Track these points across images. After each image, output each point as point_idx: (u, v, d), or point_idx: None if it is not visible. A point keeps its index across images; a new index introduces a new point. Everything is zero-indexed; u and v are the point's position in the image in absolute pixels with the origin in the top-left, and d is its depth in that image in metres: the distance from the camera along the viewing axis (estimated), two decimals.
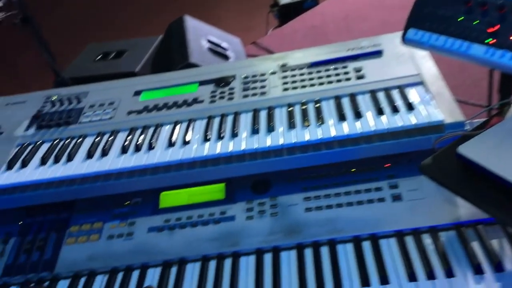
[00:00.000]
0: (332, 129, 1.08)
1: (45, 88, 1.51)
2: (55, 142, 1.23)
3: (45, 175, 1.12)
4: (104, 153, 1.15)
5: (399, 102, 1.12)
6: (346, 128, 1.07)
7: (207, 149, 1.10)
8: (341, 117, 1.10)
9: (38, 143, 1.25)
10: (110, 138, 1.20)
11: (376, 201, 1.04)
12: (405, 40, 1.10)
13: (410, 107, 1.09)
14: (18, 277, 1.06)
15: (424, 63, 1.23)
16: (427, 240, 0.96)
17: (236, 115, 1.20)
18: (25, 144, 1.25)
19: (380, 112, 1.09)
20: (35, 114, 1.34)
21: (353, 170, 1.11)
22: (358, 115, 1.10)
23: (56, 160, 1.16)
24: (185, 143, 1.14)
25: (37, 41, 1.99)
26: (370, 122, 1.08)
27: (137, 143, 1.16)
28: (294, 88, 1.25)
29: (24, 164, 1.16)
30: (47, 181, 1.12)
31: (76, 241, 1.11)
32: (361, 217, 1.02)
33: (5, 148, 1.25)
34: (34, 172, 1.14)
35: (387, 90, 1.17)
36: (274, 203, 1.09)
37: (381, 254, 0.95)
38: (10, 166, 1.16)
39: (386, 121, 1.07)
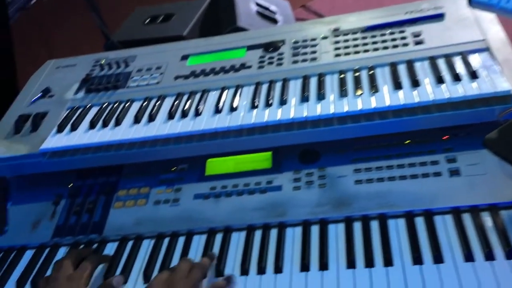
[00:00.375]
0: (386, 98, 1.02)
1: (96, 51, 1.51)
2: (103, 106, 1.24)
3: (93, 139, 1.13)
4: (151, 118, 1.14)
5: (461, 70, 1.04)
6: (402, 97, 1.01)
7: (254, 117, 1.07)
8: (397, 86, 1.04)
9: (87, 107, 1.25)
10: (157, 104, 1.19)
11: (431, 175, 0.98)
12: (471, 2, 1.01)
13: (473, 75, 1.01)
14: (68, 238, 1.09)
15: (490, 27, 1.13)
16: (486, 218, 0.90)
17: (285, 81, 1.16)
18: (75, 108, 1.26)
19: (439, 80, 1.02)
20: (85, 77, 1.35)
21: (407, 141, 1.06)
22: (415, 83, 1.03)
23: (105, 125, 1.16)
24: (232, 109, 1.11)
25: (89, 4, 2.00)
26: (429, 91, 1.01)
27: (184, 109, 1.14)
28: (347, 54, 1.19)
29: (74, 128, 1.17)
30: (95, 145, 1.13)
31: (123, 205, 1.12)
32: (414, 191, 0.97)
33: (56, 111, 1.26)
34: (83, 136, 1.15)
35: (448, 57, 1.09)
36: (323, 174, 1.06)
37: (436, 231, 0.90)
38: (60, 129, 1.18)
39: (446, 90, 0.99)
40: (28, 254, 1.09)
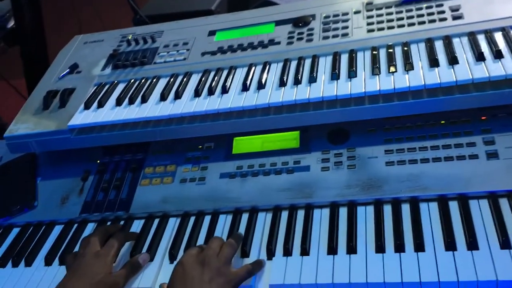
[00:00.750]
0: (422, 76, 0.97)
1: (125, 26, 1.50)
2: (130, 83, 1.22)
3: (120, 116, 1.12)
4: (178, 95, 1.13)
5: (503, 47, 0.97)
6: (438, 76, 0.96)
7: (282, 95, 1.04)
8: (433, 63, 0.98)
9: (114, 83, 1.24)
10: (184, 80, 1.17)
11: (467, 158, 0.94)
12: None
13: None
14: (96, 214, 1.10)
15: None
16: None
17: (315, 58, 1.11)
18: (102, 84, 1.25)
19: (480, 57, 0.96)
20: (112, 53, 1.33)
21: (442, 122, 1.01)
22: (453, 60, 0.97)
23: (131, 102, 1.15)
24: (260, 87, 1.08)
25: None
26: (468, 69, 0.95)
27: (211, 86, 1.11)
28: (380, 29, 1.14)
29: (100, 105, 1.17)
30: (122, 122, 1.12)
31: (150, 183, 1.12)
32: (449, 174, 0.93)
33: (84, 87, 1.26)
34: (110, 113, 1.14)
35: (488, 33, 1.03)
36: (352, 155, 1.02)
37: (471, 216, 0.86)
38: (87, 106, 1.17)
39: (486, 68, 0.94)
40: (57, 230, 1.10)
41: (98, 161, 1.21)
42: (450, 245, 0.83)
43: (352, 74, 1.03)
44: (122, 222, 1.07)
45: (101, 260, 0.91)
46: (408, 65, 1.00)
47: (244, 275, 0.86)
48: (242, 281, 0.86)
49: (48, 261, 1.02)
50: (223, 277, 0.83)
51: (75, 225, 1.10)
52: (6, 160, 1.30)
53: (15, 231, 1.14)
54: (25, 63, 2.63)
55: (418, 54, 1.03)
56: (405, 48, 1.05)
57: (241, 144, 1.13)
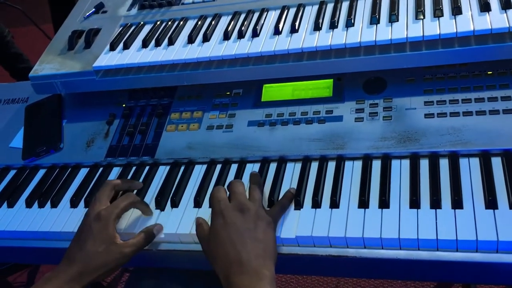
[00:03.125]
0: (470, 21, 0.89)
1: None
2: (156, 24, 1.17)
3: (146, 58, 1.08)
4: (206, 38, 1.07)
5: None
6: (489, 21, 0.88)
7: (317, 39, 0.98)
8: (484, 7, 0.90)
9: (140, 24, 1.19)
10: (213, 23, 1.12)
11: None
12: None
13: None
14: (121, 158, 1.08)
15: None
16: None
17: (352, 1, 1.04)
18: (128, 25, 1.20)
19: None
20: None
21: (489, 72, 0.94)
22: (507, 5, 0.89)
23: (157, 44, 1.10)
24: (293, 31, 1.02)
25: None
26: None
27: (241, 29, 1.05)
28: None
29: (126, 46, 1.13)
30: (148, 65, 1.08)
31: (176, 129, 1.09)
32: (494, 129, 0.86)
33: (109, 27, 1.21)
34: (135, 55, 1.10)
35: None
36: (389, 106, 0.97)
37: None
38: (112, 47, 1.13)
39: None
40: (82, 172, 1.09)
41: (124, 105, 1.18)
42: (491, 203, 0.78)
43: (393, 18, 0.96)
44: (147, 168, 1.05)
45: (101, 223, 0.83)
46: (456, 10, 0.92)
47: (279, 212, 0.85)
48: (279, 218, 0.85)
49: (74, 203, 1.02)
50: (264, 220, 0.81)
51: (100, 169, 1.09)
52: (33, 101, 1.28)
53: (41, 172, 1.13)
54: (52, 6, 2.60)
55: None
56: None
57: (270, 92, 1.08)
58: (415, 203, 0.81)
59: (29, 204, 1.05)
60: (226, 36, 1.06)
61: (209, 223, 0.84)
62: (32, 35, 2.97)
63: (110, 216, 0.84)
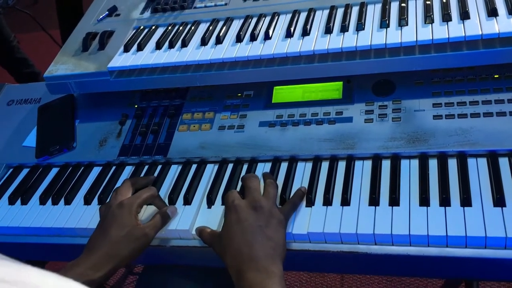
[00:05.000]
0: (478, 25, 0.92)
1: None
2: (169, 27, 1.20)
3: (160, 59, 1.10)
4: (219, 40, 1.10)
5: None
6: (496, 25, 0.90)
7: (328, 42, 1.00)
8: (492, 12, 0.93)
9: (153, 27, 1.22)
10: (225, 26, 1.14)
11: None
12: None
13: None
14: (134, 157, 1.10)
15: None
16: None
17: (363, 6, 1.07)
18: (141, 28, 1.23)
19: None
20: None
21: (496, 76, 0.96)
22: None
23: (171, 46, 1.13)
24: (305, 34, 1.04)
25: None
26: None
27: (253, 32, 1.08)
28: None
29: (140, 48, 1.15)
30: (162, 66, 1.11)
31: (188, 129, 1.11)
32: (501, 130, 0.89)
33: (123, 30, 1.24)
34: (149, 56, 1.12)
35: None
36: (398, 107, 0.99)
37: None
38: (126, 49, 1.16)
39: None
40: (96, 171, 1.11)
41: (136, 106, 1.20)
42: (499, 201, 0.80)
43: (403, 22, 0.98)
44: (159, 167, 1.07)
45: (124, 210, 0.86)
46: (464, 14, 0.94)
47: (291, 211, 0.87)
48: (290, 216, 0.87)
49: (87, 201, 1.04)
50: (276, 218, 0.83)
51: (113, 167, 1.11)
52: (45, 102, 1.30)
53: (54, 170, 1.15)
54: (59, 12, 2.63)
55: (475, 3, 0.97)
56: None
57: (281, 93, 1.11)
58: (424, 201, 0.83)
59: (43, 201, 1.07)
60: (239, 38, 1.08)
61: (221, 221, 0.86)
62: (37, 40, 3.00)
63: (133, 205, 0.88)
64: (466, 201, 0.81)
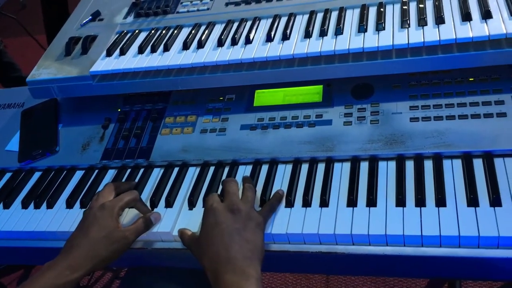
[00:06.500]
0: (452, 30, 0.94)
1: None
2: (152, 32, 1.21)
3: (142, 64, 1.11)
4: (200, 45, 1.11)
5: None
6: (470, 30, 0.93)
7: (308, 46, 1.02)
8: (466, 17, 0.95)
9: (136, 31, 1.23)
10: (207, 30, 1.15)
11: (495, 116, 0.92)
12: None
13: None
14: (117, 161, 1.10)
15: None
16: None
17: (342, 11, 1.09)
18: (124, 32, 1.24)
19: None
20: (134, 1, 1.32)
21: (471, 79, 0.98)
22: (487, 15, 0.94)
23: (153, 50, 1.14)
24: (285, 38, 1.06)
25: None
26: (501, 23, 0.92)
27: (234, 36, 1.09)
28: None
29: (123, 52, 1.16)
30: (144, 70, 1.12)
31: (170, 132, 1.12)
32: (475, 132, 0.91)
33: (106, 34, 1.25)
34: (132, 60, 1.13)
35: None
36: (376, 110, 1.01)
37: (495, 173, 0.84)
38: (109, 53, 1.16)
39: None
40: (78, 174, 1.12)
41: (119, 110, 1.21)
42: (473, 201, 0.82)
43: (380, 27, 1.00)
44: (142, 170, 1.08)
45: (106, 212, 0.87)
46: (439, 19, 0.97)
47: (269, 213, 0.88)
48: (269, 218, 0.88)
49: (70, 204, 1.04)
50: (253, 221, 0.84)
51: (96, 171, 1.11)
52: (28, 106, 1.30)
53: (37, 174, 1.15)
54: (45, 17, 2.63)
55: (450, 8, 0.99)
56: (437, 3, 1.02)
57: (262, 97, 1.12)
58: (401, 201, 0.85)
59: (25, 205, 1.07)
60: (220, 43, 1.10)
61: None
62: (25, 45, 3.00)
63: (115, 207, 0.88)
64: (440, 201, 0.83)
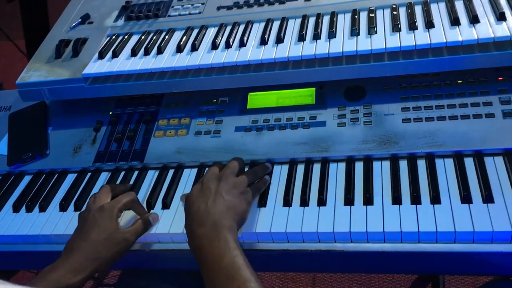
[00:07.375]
0: (442, 33, 0.97)
1: None
2: (144, 35, 1.21)
3: (135, 66, 1.11)
4: (194, 48, 1.12)
5: None
6: (459, 34, 0.96)
7: (302, 49, 1.04)
8: (455, 22, 0.99)
9: (127, 34, 1.23)
10: (200, 34, 1.16)
11: (484, 117, 0.95)
12: None
13: None
14: (110, 163, 1.10)
15: None
16: None
17: (333, 15, 1.11)
18: (115, 35, 1.23)
19: (501, 17, 0.96)
20: (124, 4, 1.31)
21: (459, 82, 1.02)
22: (475, 19, 0.97)
23: (146, 53, 1.14)
24: (279, 41, 1.07)
25: None
26: (489, 28, 0.95)
27: (228, 39, 1.11)
28: None
29: (115, 55, 1.16)
30: (137, 72, 1.11)
31: (164, 135, 1.12)
32: (465, 132, 0.94)
33: (97, 37, 1.24)
34: (125, 63, 1.13)
35: None
36: (369, 112, 1.03)
37: (486, 172, 0.88)
38: (101, 56, 1.16)
39: (508, 28, 0.94)
40: (70, 177, 1.11)
41: (111, 113, 1.20)
42: (466, 198, 0.84)
43: (372, 31, 1.03)
44: (136, 172, 1.07)
45: (105, 213, 0.87)
46: (429, 23, 1.00)
47: (255, 191, 0.91)
48: (254, 196, 0.91)
49: (63, 207, 1.03)
50: (238, 189, 0.86)
51: (89, 174, 1.10)
52: (16, 109, 1.28)
53: (27, 178, 1.14)
54: (24, 21, 2.58)
55: (439, 13, 1.03)
56: (426, 8, 1.05)
57: (256, 100, 1.13)
58: (397, 199, 0.87)
59: (16, 208, 1.06)
60: (214, 45, 1.11)
61: None
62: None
63: (114, 209, 0.88)
64: (435, 199, 0.86)
